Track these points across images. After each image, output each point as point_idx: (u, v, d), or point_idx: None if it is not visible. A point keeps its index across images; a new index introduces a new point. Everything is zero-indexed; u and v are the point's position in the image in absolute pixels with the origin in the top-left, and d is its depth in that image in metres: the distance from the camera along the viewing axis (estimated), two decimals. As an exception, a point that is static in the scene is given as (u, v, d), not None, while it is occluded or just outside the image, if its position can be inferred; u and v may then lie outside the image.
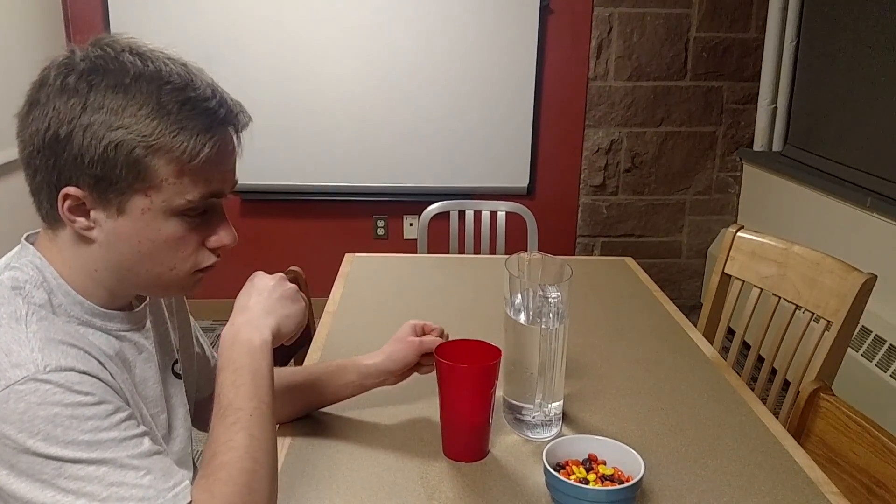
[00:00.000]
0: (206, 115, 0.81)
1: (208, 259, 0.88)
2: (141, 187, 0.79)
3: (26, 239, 0.86)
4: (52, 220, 0.83)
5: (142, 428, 0.78)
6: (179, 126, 0.79)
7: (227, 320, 0.92)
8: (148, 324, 0.94)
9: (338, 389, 1.19)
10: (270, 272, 0.99)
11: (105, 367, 0.79)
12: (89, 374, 0.75)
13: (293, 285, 0.96)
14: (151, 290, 0.91)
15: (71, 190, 0.78)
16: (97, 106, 0.77)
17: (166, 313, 1.02)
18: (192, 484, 0.78)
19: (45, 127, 0.77)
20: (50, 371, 0.72)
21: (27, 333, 0.75)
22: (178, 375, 1.00)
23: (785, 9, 3.27)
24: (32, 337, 0.75)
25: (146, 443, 0.76)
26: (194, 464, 1.04)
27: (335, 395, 1.20)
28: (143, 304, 0.92)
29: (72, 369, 0.74)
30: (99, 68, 0.78)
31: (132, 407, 0.82)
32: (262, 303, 0.91)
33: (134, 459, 0.74)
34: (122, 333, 0.88)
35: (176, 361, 1.01)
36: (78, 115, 0.77)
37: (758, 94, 3.44)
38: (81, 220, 0.80)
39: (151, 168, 0.78)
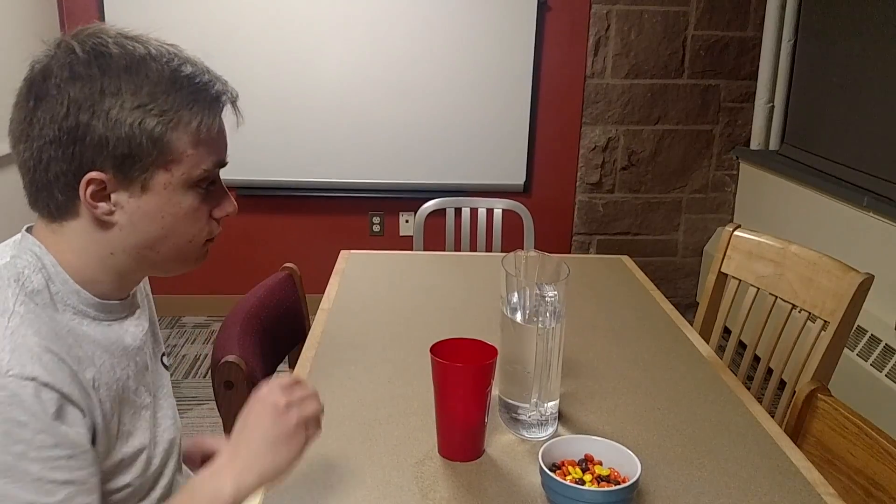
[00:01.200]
0: (210, 88, 0.84)
1: (216, 229, 0.91)
2: (163, 162, 0.81)
3: (26, 229, 0.87)
4: (62, 212, 0.82)
5: (74, 475, 0.75)
6: (193, 99, 0.82)
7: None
8: (138, 312, 0.94)
9: None
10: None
11: (79, 374, 0.78)
12: (51, 388, 0.73)
13: (298, 416, 0.87)
14: (168, 266, 0.90)
15: (95, 175, 0.79)
16: (114, 89, 0.78)
17: (153, 307, 1.02)
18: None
19: (62, 116, 0.77)
20: (10, 376, 0.71)
21: (4, 330, 0.74)
22: (165, 367, 1.01)
23: (783, 7, 3.27)
24: (9, 335, 0.74)
25: (60, 494, 0.73)
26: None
27: None
28: (132, 292, 0.92)
29: (34, 379, 0.72)
30: (104, 53, 0.79)
31: (115, 402, 0.82)
32: (256, 443, 0.85)
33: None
34: (117, 323, 0.88)
35: (164, 354, 1.01)
36: (98, 99, 0.78)
37: (755, 92, 3.43)
38: (103, 205, 0.81)
39: (173, 142, 0.81)
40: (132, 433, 0.88)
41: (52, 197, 0.81)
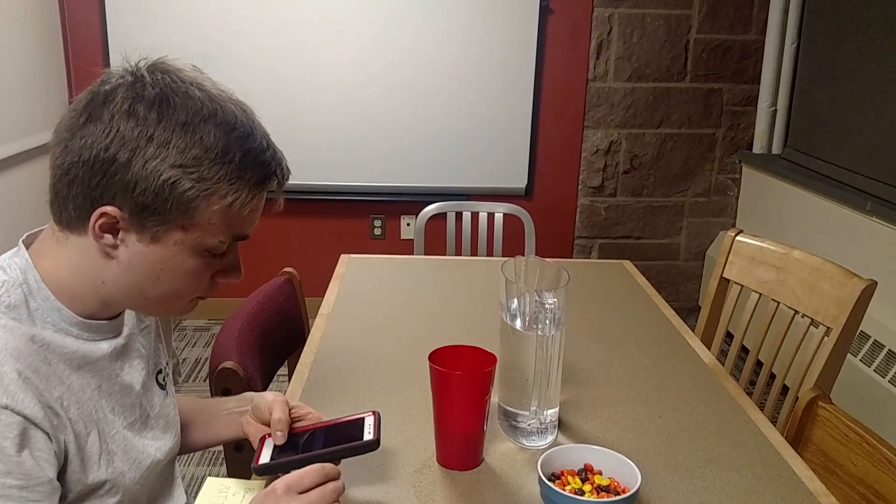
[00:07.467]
0: (262, 168, 0.83)
1: (213, 290, 0.89)
2: (182, 222, 0.80)
3: (24, 239, 0.86)
4: (71, 225, 0.81)
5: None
6: (238, 175, 0.80)
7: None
8: (127, 330, 0.92)
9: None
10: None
11: (46, 393, 0.77)
12: (12, 411, 0.72)
13: None
14: (151, 310, 0.90)
15: (109, 209, 0.78)
16: (163, 141, 0.77)
17: (152, 324, 1.01)
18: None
19: (104, 146, 0.77)
20: None
21: None
22: (161, 386, 0.99)
23: (786, 11, 3.25)
24: None
25: None
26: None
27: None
28: (120, 313, 0.91)
29: None
30: (168, 100, 0.78)
31: (90, 421, 0.81)
32: None
33: None
34: (101, 343, 0.87)
35: (160, 371, 0.99)
36: (143, 145, 0.76)
37: (758, 96, 3.42)
38: (109, 238, 0.80)
39: (200, 209, 0.80)
40: (115, 454, 0.86)
41: (65, 209, 0.81)
